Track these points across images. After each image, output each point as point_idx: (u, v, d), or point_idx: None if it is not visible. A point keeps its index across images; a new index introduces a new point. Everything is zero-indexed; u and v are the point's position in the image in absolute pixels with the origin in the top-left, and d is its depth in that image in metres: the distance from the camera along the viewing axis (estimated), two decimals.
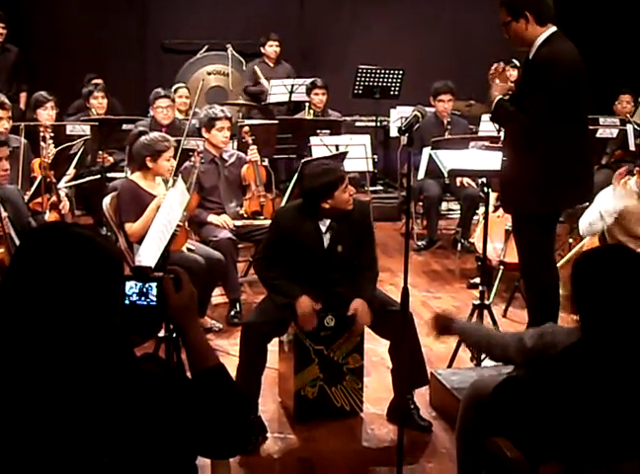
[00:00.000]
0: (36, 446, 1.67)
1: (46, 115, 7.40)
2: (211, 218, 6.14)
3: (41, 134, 6.47)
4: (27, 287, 1.72)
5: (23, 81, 9.31)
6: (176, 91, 8.55)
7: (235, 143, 7.44)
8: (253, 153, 6.46)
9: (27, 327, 1.70)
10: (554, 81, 4.12)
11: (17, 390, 1.69)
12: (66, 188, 6.42)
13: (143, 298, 1.92)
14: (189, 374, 1.95)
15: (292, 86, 9.36)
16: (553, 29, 4.23)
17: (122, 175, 7.09)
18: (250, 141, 6.57)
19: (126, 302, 1.91)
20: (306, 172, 4.52)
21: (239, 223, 6.21)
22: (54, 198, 5.63)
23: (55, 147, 6.25)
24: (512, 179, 4.36)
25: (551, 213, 4.35)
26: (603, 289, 2.53)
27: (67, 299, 1.71)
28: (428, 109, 6.65)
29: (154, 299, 1.93)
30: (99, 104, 8.11)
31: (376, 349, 5.09)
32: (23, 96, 9.15)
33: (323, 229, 4.43)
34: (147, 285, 1.92)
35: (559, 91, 4.12)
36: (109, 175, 7.53)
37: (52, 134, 6.53)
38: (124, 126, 7.60)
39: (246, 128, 6.75)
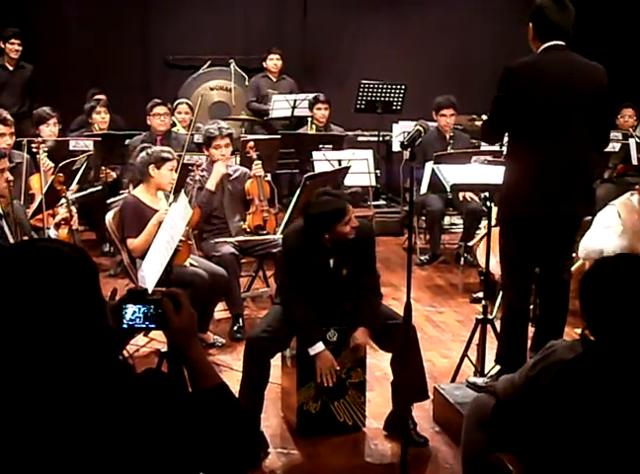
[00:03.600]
0: (28, 467, 1.64)
1: (49, 131, 7.41)
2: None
3: (34, 150, 6.49)
4: (6, 309, 1.69)
5: (36, 99, 9.30)
6: (176, 107, 8.58)
7: (238, 158, 7.44)
8: (258, 168, 6.47)
9: (13, 346, 1.68)
10: (499, 86, 4.20)
11: (8, 409, 1.67)
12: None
13: (143, 321, 1.90)
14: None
15: (295, 101, 9.37)
16: (552, 43, 4.18)
17: (125, 191, 7.08)
18: (255, 156, 6.58)
19: (124, 326, 1.89)
20: (312, 200, 4.44)
21: (242, 238, 6.22)
22: (67, 214, 5.62)
23: (58, 163, 6.25)
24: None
25: (507, 218, 4.34)
26: (615, 298, 2.48)
27: (47, 312, 1.68)
28: (430, 123, 6.68)
29: (153, 321, 1.91)
30: (101, 119, 8.07)
31: (379, 363, 5.08)
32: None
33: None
34: (146, 308, 1.89)
35: (501, 98, 4.19)
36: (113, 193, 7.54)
37: (46, 149, 6.55)
38: (127, 142, 7.63)
39: (251, 143, 6.75)
